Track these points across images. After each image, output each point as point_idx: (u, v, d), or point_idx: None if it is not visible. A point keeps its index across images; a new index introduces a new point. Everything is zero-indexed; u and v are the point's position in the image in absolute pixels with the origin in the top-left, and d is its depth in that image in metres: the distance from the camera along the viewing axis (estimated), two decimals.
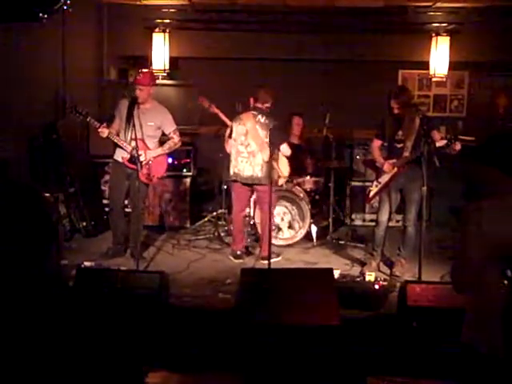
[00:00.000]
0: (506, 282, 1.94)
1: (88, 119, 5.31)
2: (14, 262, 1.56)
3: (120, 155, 5.54)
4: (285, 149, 5.82)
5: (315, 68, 7.82)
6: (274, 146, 5.65)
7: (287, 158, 6.16)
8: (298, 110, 7.16)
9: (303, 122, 7.15)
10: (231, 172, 5.88)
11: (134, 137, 5.41)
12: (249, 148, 5.74)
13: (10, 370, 1.60)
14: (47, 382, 1.67)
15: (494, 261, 2.16)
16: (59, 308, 1.68)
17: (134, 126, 5.40)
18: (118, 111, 5.60)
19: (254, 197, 6.24)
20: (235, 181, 5.88)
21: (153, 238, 6.65)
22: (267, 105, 5.76)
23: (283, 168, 6.25)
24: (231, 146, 5.88)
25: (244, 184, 5.85)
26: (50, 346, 1.66)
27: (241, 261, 5.86)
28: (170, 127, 5.72)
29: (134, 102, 5.45)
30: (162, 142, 5.77)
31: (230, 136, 5.94)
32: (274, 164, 5.81)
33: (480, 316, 2.23)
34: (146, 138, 5.45)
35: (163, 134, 5.75)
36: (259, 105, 5.73)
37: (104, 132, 5.34)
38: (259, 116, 5.69)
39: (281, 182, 6.27)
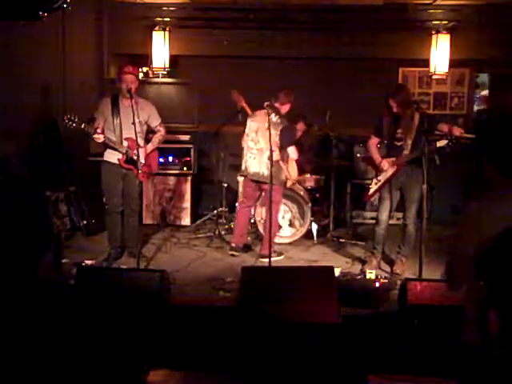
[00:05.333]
0: (481, 283, 1.94)
1: (82, 126, 5.15)
2: (8, 263, 1.53)
3: (114, 156, 5.45)
4: (292, 151, 5.83)
5: (315, 66, 7.81)
6: (282, 147, 5.69)
7: (295, 160, 6.16)
8: (302, 114, 7.13)
9: (306, 126, 7.15)
10: (242, 166, 5.95)
11: (125, 137, 5.38)
12: (258, 145, 5.78)
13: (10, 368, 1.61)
14: (49, 379, 1.67)
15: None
16: (54, 310, 1.68)
17: (120, 125, 5.36)
18: (99, 112, 5.44)
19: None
20: (245, 176, 5.94)
21: (153, 236, 6.66)
22: (285, 106, 5.81)
23: (292, 170, 6.26)
24: (245, 141, 5.91)
25: (252, 181, 5.87)
26: (46, 345, 1.66)
27: (235, 253, 5.90)
28: (157, 120, 5.66)
29: (116, 100, 5.42)
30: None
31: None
32: (283, 165, 5.83)
33: (471, 314, 2.24)
34: (137, 136, 5.25)
35: (149, 128, 5.68)
36: (277, 104, 5.77)
37: (100, 138, 5.26)
38: (272, 115, 5.70)
39: (289, 183, 6.25)
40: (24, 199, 1.56)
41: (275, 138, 5.65)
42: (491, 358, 1.89)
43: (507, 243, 1.68)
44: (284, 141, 5.72)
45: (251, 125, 5.85)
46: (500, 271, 1.71)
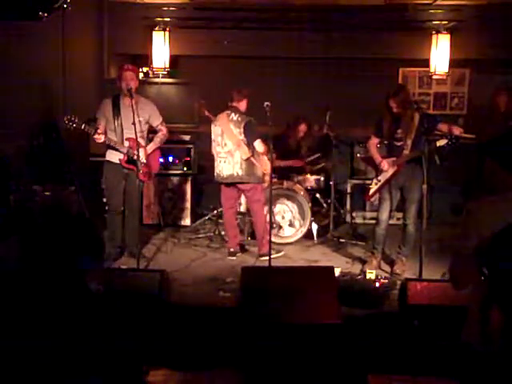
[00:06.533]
0: (482, 278, 1.93)
1: (82, 127, 5.16)
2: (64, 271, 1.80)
3: (115, 156, 5.46)
4: (258, 145, 5.72)
5: (315, 66, 7.82)
6: (249, 143, 5.67)
7: (263, 153, 6.04)
8: (304, 115, 7.13)
9: (308, 127, 7.14)
10: (215, 173, 5.92)
11: (126, 137, 5.38)
12: (226, 148, 5.77)
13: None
14: (49, 378, 1.68)
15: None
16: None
17: (121, 124, 5.36)
18: (100, 112, 5.46)
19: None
20: (219, 181, 5.91)
21: (153, 236, 6.66)
22: (242, 103, 5.79)
23: (265, 165, 6.19)
24: (213, 148, 5.91)
25: (226, 184, 5.87)
26: (47, 345, 1.68)
27: (234, 258, 5.89)
28: (158, 120, 5.67)
29: (117, 100, 5.42)
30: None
31: None
32: (254, 161, 5.79)
33: (473, 314, 2.24)
34: (138, 136, 5.21)
35: (151, 128, 5.68)
36: (234, 104, 5.78)
37: (100, 138, 5.26)
38: (232, 114, 5.73)
39: (266, 178, 6.17)
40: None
41: (240, 137, 5.67)
42: (492, 358, 1.89)
43: (508, 237, 1.68)
44: (249, 136, 5.69)
45: (215, 130, 5.84)
46: (501, 266, 1.71)
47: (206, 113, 6.08)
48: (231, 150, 5.74)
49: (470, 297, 2.29)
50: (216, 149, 5.85)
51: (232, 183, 5.85)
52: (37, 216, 4.87)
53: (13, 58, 5.53)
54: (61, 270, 1.77)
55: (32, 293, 1.77)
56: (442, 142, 5.10)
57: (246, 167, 5.72)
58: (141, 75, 7.96)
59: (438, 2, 7.46)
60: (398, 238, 5.62)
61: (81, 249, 1.83)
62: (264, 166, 5.89)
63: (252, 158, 5.74)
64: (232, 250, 5.96)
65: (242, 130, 5.69)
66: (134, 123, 5.10)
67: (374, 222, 5.80)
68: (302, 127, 7.11)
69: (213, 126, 5.88)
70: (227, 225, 6.07)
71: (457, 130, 5.13)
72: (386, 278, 5.09)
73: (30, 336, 1.70)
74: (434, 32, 7.62)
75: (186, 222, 7.23)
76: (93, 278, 1.86)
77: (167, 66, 7.74)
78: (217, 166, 5.86)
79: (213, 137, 5.87)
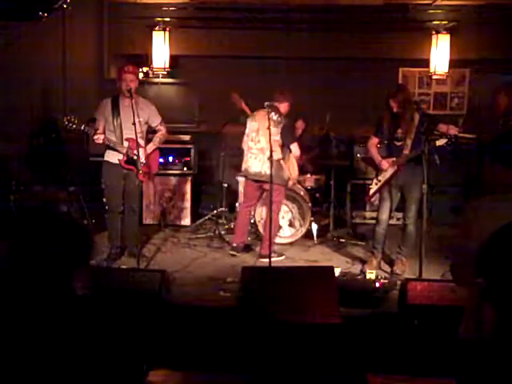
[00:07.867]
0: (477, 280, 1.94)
1: (82, 127, 5.16)
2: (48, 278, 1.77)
3: (115, 157, 5.44)
4: (295, 148, 5.81)
5: (316, 66, 7.82)
6: (284, 145, 5.69)
7: (296, 158, 6.13)
8: (301, 112, 7.13)
9: (305, 123, 7.16)
10: (242, 167, 5.94)
11: (126, 137, 5.38)
12: (258, 144, 5.78)
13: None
14: (49, 379, 1.68)
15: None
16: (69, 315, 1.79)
17: (121, 125, 5.36)
18: (100, 113, 5.45)
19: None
20: (246, 176, 5.93)
21: (153, 236, 6.66)
22: (283, 105, 5.80)
23: (292, 169, 6.24)
24: (244, 142, 5.91)
25: (253, 180, 5.87)
26: (51, 343, 1.68)
27: (235, 253, 5.91)
28: (157, 120, 5.66)
29: (116, 101, 5.42)
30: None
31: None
32: (284, 164, 5.82)
33: (469, 310, 2.24)
34: (137, 136, 5.20)
35: (149, 128, 5.68)
36: (276, 104, 5.78)
37: (100, 139, 5.27)
38: (272, 113, 5.71)
39: (290, 183, 6.21)
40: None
41: (276, 137, 5.66)
42: (487, 355, 1.89)
43: (503, 239, 1.68)
44: (286, 138, 5.73)
45: (251, 125, 5.86)
46: (496, 267, 1.71)
47: (243, 105, 6.07)
48: (263, 148, 5.73)
49: (467, 294, 2.30)
50: (248, 144, 5.85)
51: (258, 181, 5.86)
52: (33, 217, 4.87)
53: (13, 58, 5.54)
54: (48, 271, 1.76)
55: (23, 293, 1.76)
56: (441, 142, 5.11)
57: (275, 167, 5.71)
58: (141, 75, 7.96)
59: (437, 2, 7.46)
60: (398, 238, 5.62)
61: (67, 250, 1.81)
62: (291, 170, 5.93)
63: (281, 161, 5.76)
64: (235, 245, 5.96)
65: (279, 130, 5.69)
66: (134, 123, 5.10)
67: (373, 222, 5.80)
68: (299, 124, 7.11)
69: (249, 121, 5.89)
70: (239, 222, 6.07)
71: (452, 130, 5.14)
72: (386, 278, 5.10)
73: (26, 337, 1.70)
74: (434, 32, 7.63)
75: (186, 221, 7.24)
76: (79, 281, 1.85)
77: (167, 66, 7.75)
78: (246, 160, 5.87)
79: (247, 131, 5.89)
